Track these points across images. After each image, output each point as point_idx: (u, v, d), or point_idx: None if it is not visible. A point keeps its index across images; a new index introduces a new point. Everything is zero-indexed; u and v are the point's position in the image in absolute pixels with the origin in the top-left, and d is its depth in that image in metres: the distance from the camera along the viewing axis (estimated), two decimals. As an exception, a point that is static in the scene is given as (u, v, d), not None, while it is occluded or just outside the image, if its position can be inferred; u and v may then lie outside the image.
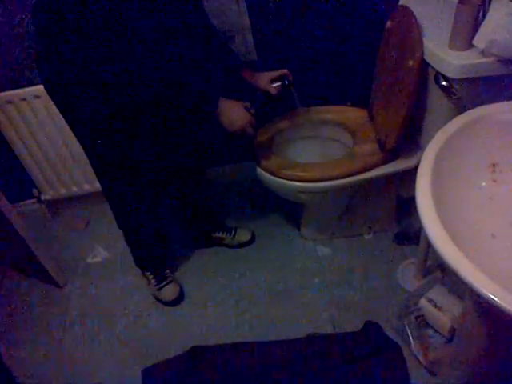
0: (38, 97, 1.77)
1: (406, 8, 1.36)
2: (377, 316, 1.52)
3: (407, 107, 1.33)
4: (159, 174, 1.64)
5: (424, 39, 1.27)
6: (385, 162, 1.54)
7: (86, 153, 1.43)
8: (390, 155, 1.53)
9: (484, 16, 1.10)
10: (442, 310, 1.37)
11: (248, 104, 1.44)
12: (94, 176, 1.53)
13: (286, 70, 1.56)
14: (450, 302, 1.38)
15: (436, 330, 1.40)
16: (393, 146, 1.47)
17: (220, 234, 1.87)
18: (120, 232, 1.66)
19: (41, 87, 1.73)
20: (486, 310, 0.86)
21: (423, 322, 1.43)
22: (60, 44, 1.18)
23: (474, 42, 1.12)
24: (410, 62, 1.27)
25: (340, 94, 1.91)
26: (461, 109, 0.99)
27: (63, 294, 1.82)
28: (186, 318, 1.65)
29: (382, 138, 1.52)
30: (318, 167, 1.57)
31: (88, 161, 1.46)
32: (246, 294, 1.70)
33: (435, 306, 1.38)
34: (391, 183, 1.65)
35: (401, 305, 1.49)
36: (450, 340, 1.36)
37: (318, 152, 1.78)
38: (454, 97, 1.19)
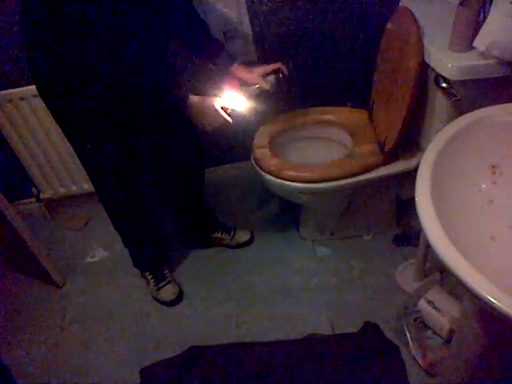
0: (37, 96, 1.76)
1: (406, 9, 1.36)
2: (376, 317, 1.52)
3: (407, 109, 1.33)
4: (154, 176, 1.64)
5: (424, 41, 1.27)
6: (384, 163, 1.54)
7: (78, 156, 1.43)
8: (390, 156, 1.53)
9: (484, 18, 1.10)
10: (441, 312, 1.37)
11: (225, 100, 1.36)
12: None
13: (279, 64, 1.52)
14: (449, 304, 1.38)
15: (435, 332, 1.40)
16: (392, 148, 1.47)
17: (219, 235, 1.86)
18: (119, 231, 1.67)
19: (40, 86, 1.73)
20: (484, 311, 0.85)
21: (422, 324, 1.43)
22: (47, 44, 1.17)
23: (475, 43, 1.12)
24: (410, 64, 1.27)
25: (340, 95, 1.91)
26: (461, 110, 0.99)
27: (62, 294, 1.82)
28: (185, 318, 1.65)
29: (382, 139, 1.52)
30: (318, 168, 1.57)
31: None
32: (245, 294, 1.70)
33: (434, 307, 1.38)
34: (391, 184, 1.65)
35: (400, 306, 1.49)
36: (448, 341, 1.36)
37: (318, 153, 1.78)
38: (453, 98, 1.19)
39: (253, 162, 1.65)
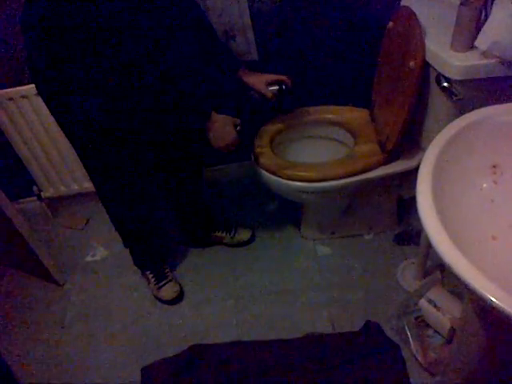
0: (38, 95, 1.77)
1: (407, 9, 1.36)
2: (376, 316, 1.52)
3: (408, 108, 1.33)
4: (154, 175, 1.64)
5: (426, 40, 1.27)
6: (386, 162, 1.54)
7: (78, 155, 1.44)
8: (391, 156, 1.53)
9: (486, 17, 1.10)
10: (442, 311, 1.37)
11: (238, 120, 1.44)
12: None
13: (285, 77, 1.56)
14: (450, 303, 1.39)
15: (436, 331, 1.41)
16: (394, 147, 1.46)
17: (220, 233, 1.87)
18: (119, 231, 1.67)
19: (42, 85, 1.73)
20: (485, 311, 0.85)
21: (423, 323, 1.43)
22: (49, 44, 1.16)
23: (476, 43, 1.12)
24: (412, 63, 1.27)
25: (341, 94, 1.91)
26: (462, 110, 0.99)
27: (62, 292, 1.82)
28: (186, 317, 1.65)
29: (383, 138, 1.52)
30: (319, 167, 1.57)
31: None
32: (246, 293, 1.70)
33: (435, 306, 1.38)
34: (392, 184, 1.65)
35: (400, 305, 1.49)
36: (449, 341, 1.36)
37: (319, 152, 1.78)
38: (455, 98, 1.19)
39: (253, 161, 1.65)
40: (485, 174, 0.84)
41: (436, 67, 1.24)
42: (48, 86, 1.26)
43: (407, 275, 1.63)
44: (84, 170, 1.95)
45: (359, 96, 1.79)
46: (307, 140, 1.80)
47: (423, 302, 1.41)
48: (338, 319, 1.55)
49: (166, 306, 1.70)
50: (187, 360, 1.49)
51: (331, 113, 1.77)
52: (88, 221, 2.14)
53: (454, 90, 1.19)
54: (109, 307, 1.74)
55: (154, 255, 1.76)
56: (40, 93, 1.30)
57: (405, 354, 1.40)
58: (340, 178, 1.53)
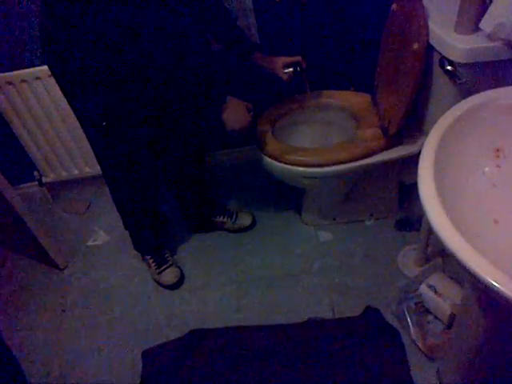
0: (38, 78, 1.76)
1: (411, -10, 1.34)
2: (377, 301, 1.52)
3: (411, 92, 1.32)
4: (160, 158, 1.63)
5: (429, 22, 1.25)
6: (388, 147, 1.53)
7: (87, 135, 1.42)
8: (393, 141, 1.52)
9: (491, -2, 1.07)
10: (442, 297, 1.37)
11: (250, 105, 1.47)
12: (95, 159, 1.52)
13: (299, 57, 1.57)
14: (451, 289, 1.38)
15: (435, 317, 1.41)
16: (396, 132, 1.45)
17: (221, 219, 1.86)
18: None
19: (41, 68, 1.73)
20: (486, 296, 0.85)
21: (423, 308, 1.43)
22: (69, 24, 1.16)
23: (481, 25, 1.10)
24: (415, 46, 1.25)
25: (343, 78, 1.89)
26: (465, 94, 0.98)
27: (64, 277, 1.83)
28: (187, 302, 1.66)
29: (385, 123, 1.50)
30: (321, 152, 1.56)
31: (89, 144, 1.45)
32: (247, 278, 1.70)
33: (435, 292, 1.38)
34: (394, 169, 1.64)
35: (401, 291, 1.49)
36: (449, 326, 1.36)
37: (321, 137, 1.77)
38: (458, 81, 1.17)
39: (255, 146, 1.64)
40: (487, 158, 0.83)
41: (440, 50, 1.21)
42: (64, 66, 1.24)
43: (408, 261, 1.63)
44: (84, 155, 1.98)
45: (361, 80, 1.77)
46: (309, 125, 1.79)
47: (423, 288, 1.41)
48: (338, 305, 1.55)
49: (166, 290, 1.71)
50: (188, 344, 1.50)
51: (333, 97, 1.75)
52: (89, 205, 2.14)
53: (457, 73, 1.17)
54: (110, 291, 1.74)
55: (154, 239, 1.75)
56: (54, 72, 1.29)
57: (404, 339, 1.41)
58: (342, 162, 1.52)
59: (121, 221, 1.68)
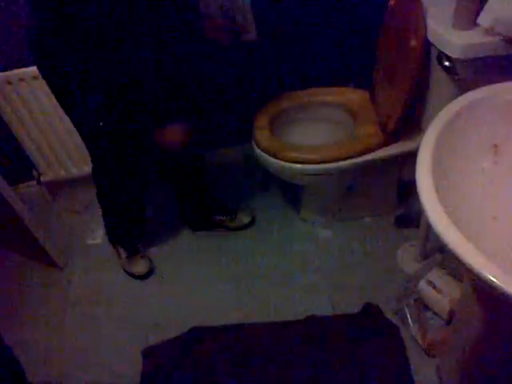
0: (36, 77, 1.75)
1: (409, -14, 1.33)
2: (376, 298, 1.52)
3: (409, 88, 1.32)
4: (155, 156, 1.64)
5: (427, 18, 1.25)
6: (386, 144, 1.52)
7: (76, 125, 1.44)
8: (392, 137, 1.52)
9: (489, -6, 1.07)
10: (442, 293, 1.37)
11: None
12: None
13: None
14: (450, 285, 1.39)
15: (435, 313, 1.41)
16: (394, 128, 1.45)
17: (220, 217, 1.86)
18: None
19: (39, 67, 1.71)
20: (485, 292, 0.85)
21: (422, 305, 1.43)
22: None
23: (479, 20, 1.09)
24: (413, 42, 1.25)
25: (342, 75, 1.89)
26: (464, 89, 0.97)
27: (63, 276, 1.82)
28: (187, 299, 1.66)
29: (384, 119, 1.50)
30: (319, 149, 1.56)
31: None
32: (246, 275, 1.70)
33: (434, 288, 1.38)
34: (392, 166, 1.64)
35: (400, 287, 1.50)
36: (448, 322, 1.36)
37: (319, 134, 1.76)
38: (456, 77, 1.17)
39: (253, 143, 1.64)
40: (485, 154, 0.83)
41: (438, 46, 1.21)
42: (55, 68, 1.26)
43: (407, 257, 1.63)
44: (83, 154, 1.97)
45: (359, 77, 1.77)
46: (307, 122, 1.79)
47: (423, 284, 1.41)
48: (338, 301, 1.55)
49: (166, 289, 1.71)
50: (188, 342, 1.50)
51: (331, 94, 1.75)
52: (88, 204, 2.13)
53: (455, 69, 1.17)
54: (110, 290, 1.74)
55: (131, 235, 1.78)
56: (44, 76, 1.31)
57: (404, 335, 1.41)
58: (340, 159, 1.51)
59: (100, 206, 1.71)
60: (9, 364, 1.06)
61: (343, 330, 1.45)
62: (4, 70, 1.74)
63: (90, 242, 1.95)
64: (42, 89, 1.78)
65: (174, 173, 1.71)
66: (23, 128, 1.89)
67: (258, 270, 1.71)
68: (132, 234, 1.79)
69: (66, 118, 1.83)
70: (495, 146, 0.83)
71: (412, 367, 1.33)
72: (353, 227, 1.80)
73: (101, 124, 1.35)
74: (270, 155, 1.56)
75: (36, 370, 1.50)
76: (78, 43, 1.18)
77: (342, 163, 1.52)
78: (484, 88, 0.88)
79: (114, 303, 1.69)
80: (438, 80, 1.30)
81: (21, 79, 1.76)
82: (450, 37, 1.15)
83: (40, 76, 1.73)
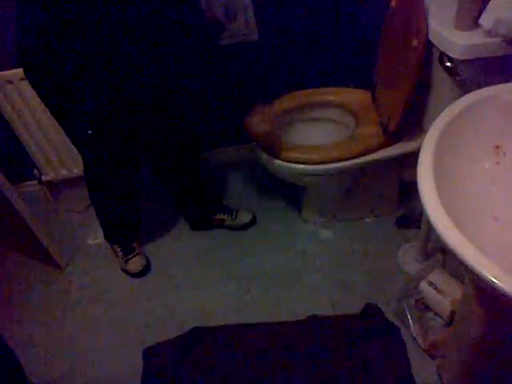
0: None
1: (411, -14, 1.33)
2: (377, 299, 1.52)
3: (410, 89, 1.31)
4: (149, 158, 1.65)
5: (429, 18, 1.24)
6: (387, 144, 1.52)
7: (65, 131, 1.46)
8: (393, 138, 1.51)
9: (491, -6, 1.07)
10: (443, 293, 1.37)
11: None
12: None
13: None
14: (451, 286, 1.38)
15: (436, 313, 1.41)
16: (395, 129, 1.45)
17: (221, 216, 1.86)
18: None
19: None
20: (486, 293, 0.85)
21: (423, 305, 1.43)
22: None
23: (481, 21, 1.09)
24: (414, 42, 1.25)
25: (343, 75, 1.89)
26: (465, 90, 0.97)
27: (64, 276, 1.83)
28: (188, 299, 1.66)
29: (385, 120, 1.50)
30: (320, 149, 1.55)
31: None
32: (247, 275, 1.70)
33: (436, 289, 1.38)
34: (393, 166, 1.64)
35: (401, 288, 1.49)
36: (449, 323, 1.36)
37: (320, 134, 1.76)
38: (458, 78, 1.17)
39: (255, 143, 1.64)
40: (487, 155, 0.83)
41: (439, 46, 1.21)
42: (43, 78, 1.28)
43: (408, 258, 1.63)
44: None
45: (360, 77, 1.77)
46: (308, 122, 1.79)
47: (424, 285, 1.41)
48: (338, 302, 1.55)
49: (167, 288, 1.71)
50: (189, 342, 1.50)
51: (332, 94, 1.75)
52: (89, 204, 2.13)
53: (457, 69, 1.17)
54: (110, 290, 1.74)
55: (126, 233, 1.79)
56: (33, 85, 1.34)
57: (405, 336, 1.41)
58: (341, 160, 1.51)
59: (93, 206, 1.72)
60: (9, 364, 1.06)
61: (344, 331, 1.45)
62: (5, 69, 1.74)
63: (91, 241, 1.95)
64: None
65: (170, 172, 1.72)
66: (25, 127, 1.89)
67: (259, 270, 1.71)
68: (126, 234, 1.80)
69: (68, 118, 1.85)
70: (497, 146, 0.83)
71: (413, 368, 1.33)
72: (354, 228, 1.80)
73: (89, 132, 1.36)
74: (271, 155, 1.57)
75: (36, 370, 1.51)
76: (71, 48, 1.19)
77: (342, 164, 1.52)
78: (486, 89, 0.87)
79: (115, 303, 1.69)
80: (440, 80, 1.30)
81: (22, 78, 1.76)
82: (452, 37, 1.14)
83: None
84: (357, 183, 1.68)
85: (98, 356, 1.53)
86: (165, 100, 1.47)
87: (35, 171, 2.07)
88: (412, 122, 1.53)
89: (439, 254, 1.54)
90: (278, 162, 1.56)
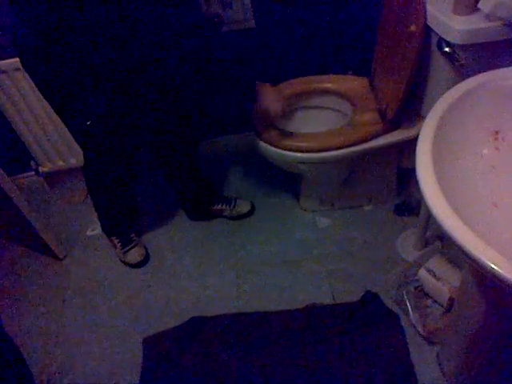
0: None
1: (409, -29, 1.31)
2: (376, 286, 1.52)
3: (409, 75, 1.30)
4: (150, 144, 1.64)
5: (427, 3, 1.23)
6: (385, 131, 1.51)
7: (65, 123, 1.45)
8: (391, 125, 1.50)
9: (490, -23, 1.05)
10: (441, 280, 1.37)
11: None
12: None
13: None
14: (449, 273, 1.38)
15: (435, 300, 1.41)
16: (394, 116, 1.44)
17: (219, 206, 1.86)
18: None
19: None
20: (485, 279, 0.85)
21: (422, 292, 1.43)
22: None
23: (479, 5, 1.08)
24: (412, 27, 1.24)
25: (341, 62, 1.87)
26: (464, 76, 0.96)
27: (62, 266, 1.82)
28: (187, 289, 1.66)
29: (383, 107, 1.49)
30: (318, 137, 1.54)
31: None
32: (246, 265, 1.70)
33: (434, 276, 1.38)
34: (392, 154, 1.63)
35: (400, 275, 1.50)
36: (448, 310, 1.36)
37: (318, 122, 1.75)
38: (457, 63, 1.16)
39: (252, 131, 1.63)
40: (486, 140, 0.82)
41: (437, 31, 1.20)
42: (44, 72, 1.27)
43: (407, 245, 1.63)
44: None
45: (359, 64, 1.75)
46: (306, 110, 1.78)
47: (423, 272, 1.41)
48: (338, 290, 1.55)
49: (166, 278, 1.71)
50: (188, 331, 1.51)
51: (330, 82, 1.74)
52: (87, 195, 2.13)
53: (455, 55, 1.15)
54: (109, 281, 1.74)
55: (123, 225, 1.79)
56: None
57: (404, 323, 1.41)
58: (339, 147, 1.51)
59: (91, 199, 1.72)
60: (10, 354, 1.06)
61: (343, 319, 1.45)
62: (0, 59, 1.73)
63: (89, 232, 1.95)
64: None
65: (168, 162, 1.71)
66: (21, 118, 1.88)
67: (258, 259, 1.71)
68: (124, 225, 1.80)
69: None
70: (496, 132, 0.82)
71: (412, 355, 1.34)
72: (352, 216, 1.80)
73: (88, 123, 1.35)
74: (269, 144, 1.56)
75: (36, 360, 1.51)
76: (72, 44, 1.18)
77: (340, 151, 1.51)
78: (485, 74, 0.87)
79: (114, 293, 1.69)
80: (438, 66, 1.29)
81: (16, 69, 1.74)
82: (451, 22, 1.13)
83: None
84: (355, 171, 1.68)
85: (97, 347, 1.53)
86: (164, 90, 1.45)
87: (32, 162, 2.06)
88: (410, 108, 1.52)
89: (438, 241, 1.54)
90: (275, 150, 1.55)
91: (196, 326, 1.51)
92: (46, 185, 2.15)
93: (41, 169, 2.07)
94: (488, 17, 1.08)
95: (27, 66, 1.31)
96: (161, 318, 1.57)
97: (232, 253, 1.75)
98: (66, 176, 2.16)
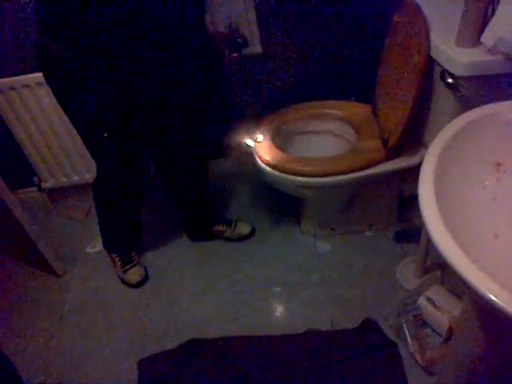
0: (40, 84, 1.76)
1: (413, 2, 1.34)
2: (375, 314, 1.51)
3: (412, 104, 1.32)
4: (156, 168, 1.65)
5: (431, 35, 1.25)
6: (388, 158, 1.52)
7: (81, 135, 1.45)
8: (393, 152, 1.52)
9: (493, 12, 1.08)
10: (441, 310, 1.36)
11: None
12: (95, 165, 1.54)
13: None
14: (449, 302, 1.38)
15: (434, 330, 1.40)
16: (396, 143, 1.45)
17: (220, 227, 1.86)
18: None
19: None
20: (485, 310, 0.85)
21: (421, 321, 1.42)
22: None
23: (482, 39, 1.10)
24: (416, 58, 1.26)
25: (344, 89, 1.90)
26: (466, 107, 0.98)
27: (61, 283, 1.82)
28: (185, 310, 1.65)
29: (386, 134, 1.50)
30: (320, 162, 1.56)
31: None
32: (245, 287, 1.69)
33: (434, 305, 1.38)
34: (393, 180, 1.64)
35: (399, 303, 1.48)
36: (447, 340, 1.35)
37: (321, 147, 1.77)
38: (459, 94, 1.17)
39: (254, 154, 1.64)
40: (488, 172, 0.83)
41: (441, 63, 1.22)
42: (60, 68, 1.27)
43: (407, 273, 1.62)
44: (85, 161, 1.97)
45: (362, 91, 1.77)
46: (309, 135, 1.79)
47: (422, 301, 1.40)
48: (336, 316, 1.54)
49: (164, 298, 1.70)
50: (185, 354, 1.49)
51: (334, 108, 1.76)
52: (88, 212, 2.14)
53: (458, 86, 1.17)
54: (108, 299, 1.73)
55: (126, 243, 1.79)
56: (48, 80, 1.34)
57: (403, 352, 1.40)
58: (341, 173, 1.51)
59: (96, 213, 1.71)
60: (6, 372, 1.05)
61: (341, 345, 1.44)
62: (8, 75, 1.75)
63: (89, 249, 1.95)
64: (45, 95, 1.79)
65: (176, 183, 1.71)
66: (26, 134, 1.90)
67: (257, 282, 1.70)
68: (126, 243, 1.79)
69: (69, 125, 1.85)
70: (498, 163, 0.83)
71: (410, 384, 1.32)
72: (353, 241, 1.79)
73: (105, 135, 1.36)
74: (271, 167, 1.56)
75: (33, 378, 1.50)
76: (84, 48, 1.19)
77: (342, 177, 1.52)
78: (487, 106, 0.88)
79: (112, 312, 1.68)
80: (441, 96, 1.30)
81: (24, 86, 1.77)
82: (454, 54, 1.15)
83: (44, 82, 1.76)
84: (356, 196, 1.68)
85: (93, 366, 1.52)
86: (175, 104, 1.47)
87: (35, 178, 2.07)
88: (413, 136, 1.53)
89: (438, 269, 1.54)
90: (277, 173, 1.56)
91: (193, 349, 1.49)
92: (48, 200, 2.16)
93: (43, 184, 2.08)
94: (490, 50, 1.10)
95: (47, 75, 1.33)
96: (158, 339, 1.56)
97: (231, 274, 1.75)
98: (69, 192, 2.17)
